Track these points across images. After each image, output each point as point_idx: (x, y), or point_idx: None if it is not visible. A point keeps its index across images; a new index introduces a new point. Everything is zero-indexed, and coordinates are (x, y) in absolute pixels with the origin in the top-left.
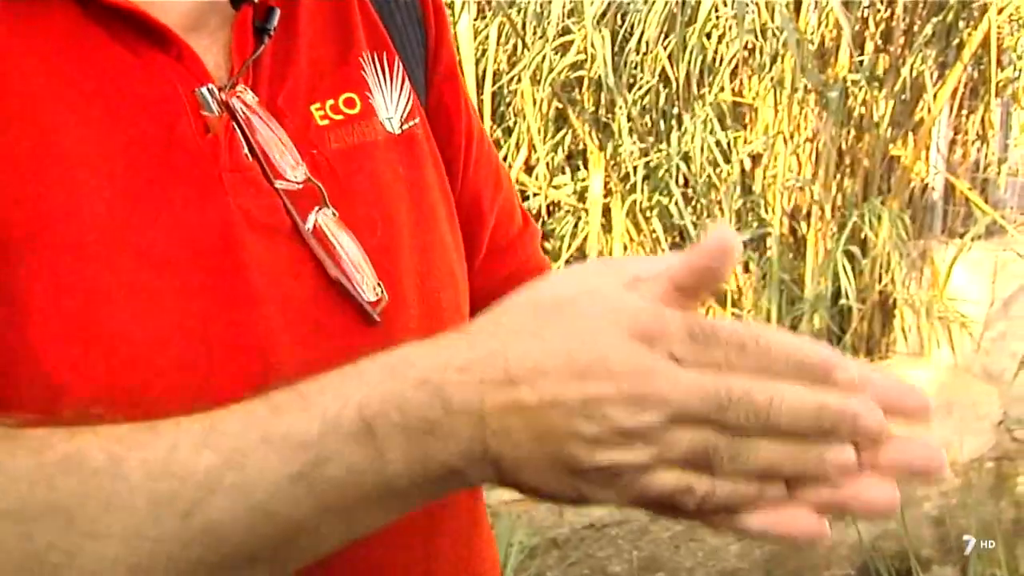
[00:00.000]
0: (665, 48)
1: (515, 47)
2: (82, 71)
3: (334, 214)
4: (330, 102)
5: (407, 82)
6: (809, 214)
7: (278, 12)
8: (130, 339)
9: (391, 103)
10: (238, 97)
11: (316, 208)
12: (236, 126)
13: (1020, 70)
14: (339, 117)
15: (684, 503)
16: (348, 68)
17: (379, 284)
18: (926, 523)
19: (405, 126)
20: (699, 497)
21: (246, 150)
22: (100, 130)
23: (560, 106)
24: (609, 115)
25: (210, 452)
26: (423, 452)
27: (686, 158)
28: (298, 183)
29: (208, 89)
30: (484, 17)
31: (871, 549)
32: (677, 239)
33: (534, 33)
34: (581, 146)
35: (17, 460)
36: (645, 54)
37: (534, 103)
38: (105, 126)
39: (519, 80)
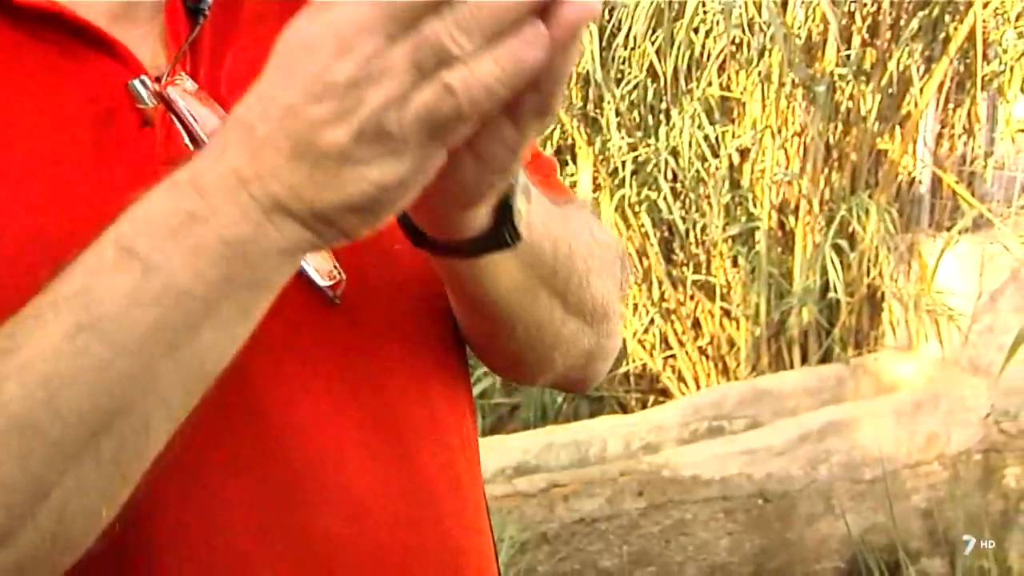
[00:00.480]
0: (653, 43)
1: None
2: (13, 79)
3: None
4: None
5: None
6: (797, 208)
7: None
8: None
9: None
10: (175, 85)
11: None
12: (173, 116)
13: (1005, 64)
14: None
15: (458, 108)
16: None
17: (336, 267)
18: (915, 516)
19: None
20: (464, 90)
21: (187, 139)
22: (36, 136)
23: None
24: (597, 110)
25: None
26: (194, 242)
27: (674, 153)
28: None
29: (140, 81)
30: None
31: (860, 542)
32: (666, 233)
33: None
34: (569, 141)
35: None
36: (633, 49)
37: None
38: (41, 131)
39: None
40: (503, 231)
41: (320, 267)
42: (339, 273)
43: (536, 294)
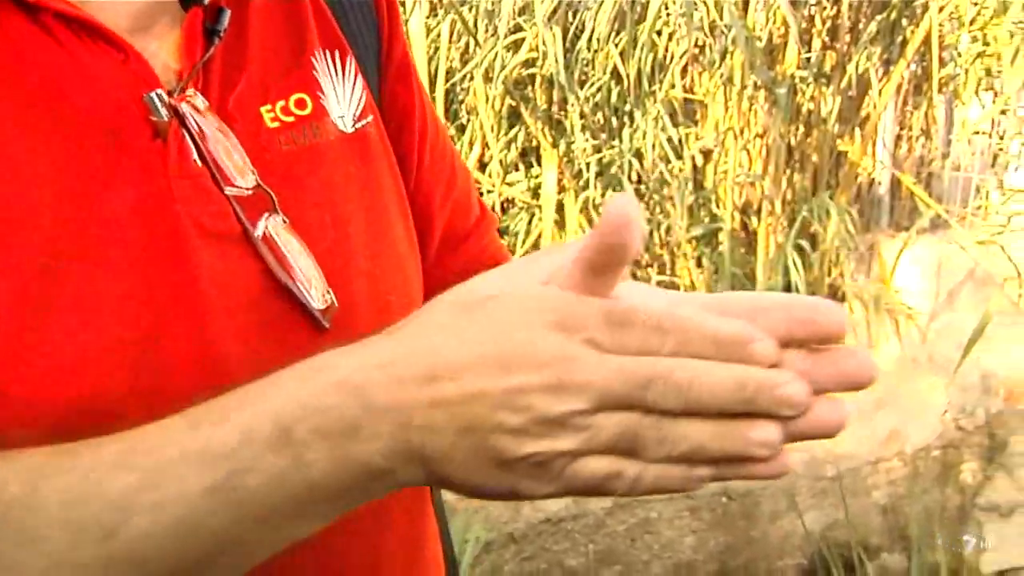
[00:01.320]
0: (616, 46)
1: (467, 45)
2: (28, 77)
3: (284, 220)
4: (280, 103)
5: (360, 80)
6: (760, 209)
7: (228, 14)
8: (77, 347)
9: (344, 101)
10: (188, 102)
11: (266, 215)
12: (185, 132)
13: (960, 67)
14: (290, 119)
15: (614, 488)
16: (300, 68)
17: (328, 291)
18: (874, 512)
19: (358, 124)
20: (628, 482)
21: (195, 156)
22: (47, 137)
23: (513, 103)
24: (561, 112)
25: (127, 473)
26: (344, 454)
27: (638, 154)
28: (248, 189)
29: (157, 94)
30: (436, 15)
31: (822, 539)
32: None
33: (486, 31)
34: (534, 143)
35: None
36: (596, 51)
37: (487, 100)
38: (52, 132)
39: (471, 78)
40: None
41: (314, 290)
42: (331, 298)
43: None
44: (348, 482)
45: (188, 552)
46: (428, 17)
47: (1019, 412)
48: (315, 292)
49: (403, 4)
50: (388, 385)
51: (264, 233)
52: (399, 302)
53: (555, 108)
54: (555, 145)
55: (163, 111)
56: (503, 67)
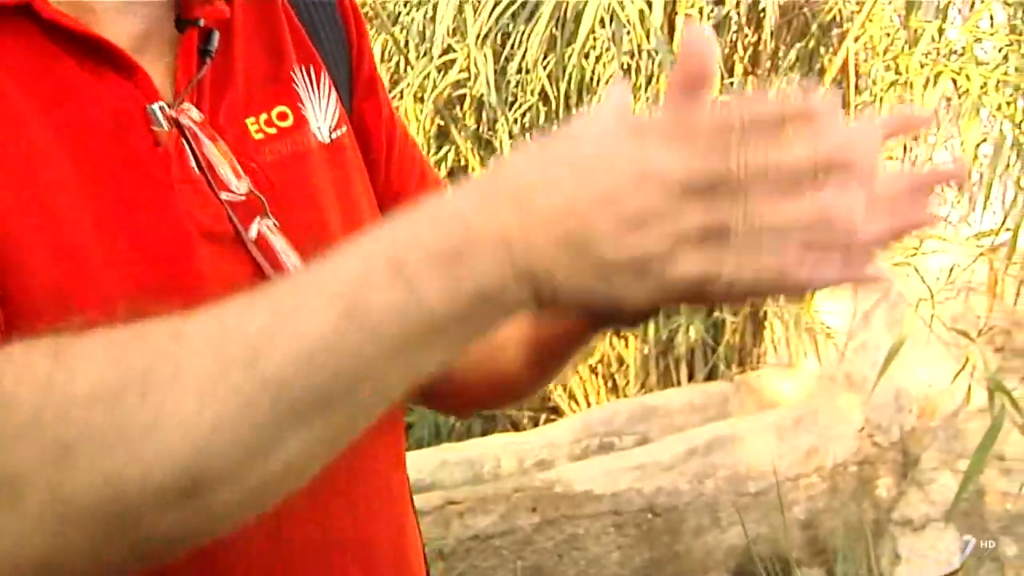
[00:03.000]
0: (545, 68)
1: (398, 64)
2: (41, 88)
3: (275, 224)
4: (264, 116)
5: (334, 93)
6: None
7: (218, 35)
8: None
9: (320, 113)
10: (185, 114)
11: (258, 218)
12: (184, 141)
13: (875, 95)
14: (273, 131)
15: (713, 289)
16: (280, 83)
17: None
18: (795, 526)
19: (334, 135)
20: (727, 279)
21: (193, 163)
22: (59, 144)
23: (443, 123)
24: (491, 132)
25: (259, 311)
26: (454, 279)
27: None
28: (241, 194)
29: (159, 106)
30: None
31: (743, 553)
32: None
33: (417, 51)
34: (463, 162)
35: (86, 345)
36: (526, 74)
37: (417, 120)
38: (64, 140)
39: (402, 97)
40: None
41: None
42: None
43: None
44: (463, 307)
45: (330, 378)
46: (386, 38)
47: (931, 429)
48: None
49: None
50: (484, 208)
51: (257, 235)
52: None
53: (484, 128)
54: (484, 164)
55: (164, 122)
56: (434, 87)
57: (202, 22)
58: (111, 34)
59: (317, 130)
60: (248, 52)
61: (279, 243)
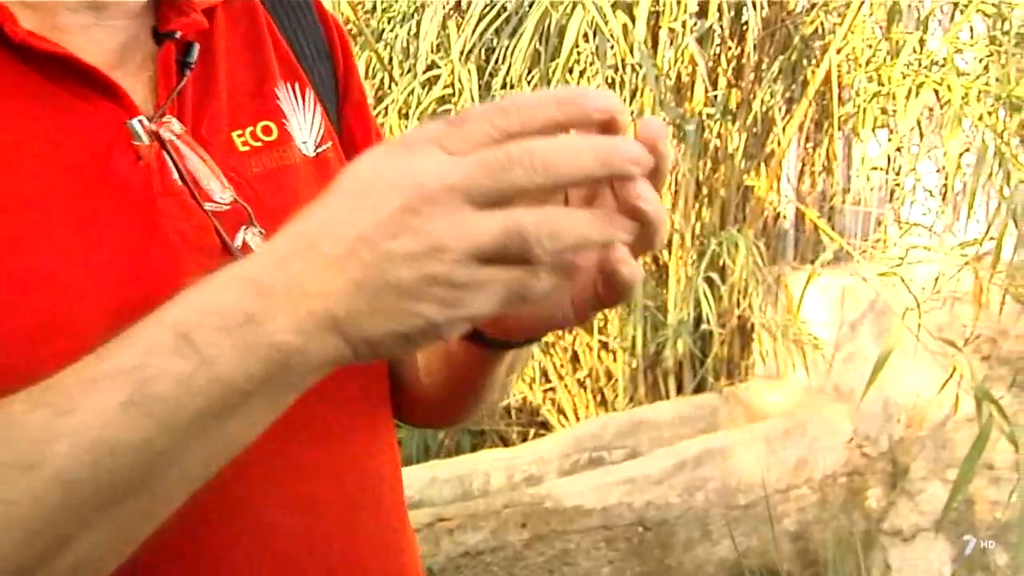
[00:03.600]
0: (530, 83)
1: (383, 81)
2: (21, 111)
3: (261, 232)
4: (249, 129)
5: (319, 108)
6: (670, 243)
7: (197, 47)
8: (65, 352)
9: (305, 128)
10: (166, 127)
11: (243, 227)
12: (166, 154)
13: (858, 106)
14: (258, 144)
15: (521, 294)
16: (264, 98)
17: None
18: (786, 538)
19: (319, 149)
20: (533, 291)
21: (176, 176)
22: (41, 165)
23: None
24: None
25: (43, 408)
26: (246, 342)
27: None
28: (226, 204)
29: (138, 120)
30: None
31: (734, 566)
32: None
33: (401, 67)
34: None
35: None
36: (511, 88)
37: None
38: (45, 161)
39: (387, 113)
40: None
41: None
42: None
43: (509, 371)
44: (259, 370)
45: (116, 471)
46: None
47: (919, 439)
48: None
49: None
50: (274, 265)
51: (243, 244)
52: None
53: None
54: None
55: (144, 136)
56: (419, 103)
57: (179, 34)
58: (86, 51)
59: (302, 144)
60: (231, 67)
61: None
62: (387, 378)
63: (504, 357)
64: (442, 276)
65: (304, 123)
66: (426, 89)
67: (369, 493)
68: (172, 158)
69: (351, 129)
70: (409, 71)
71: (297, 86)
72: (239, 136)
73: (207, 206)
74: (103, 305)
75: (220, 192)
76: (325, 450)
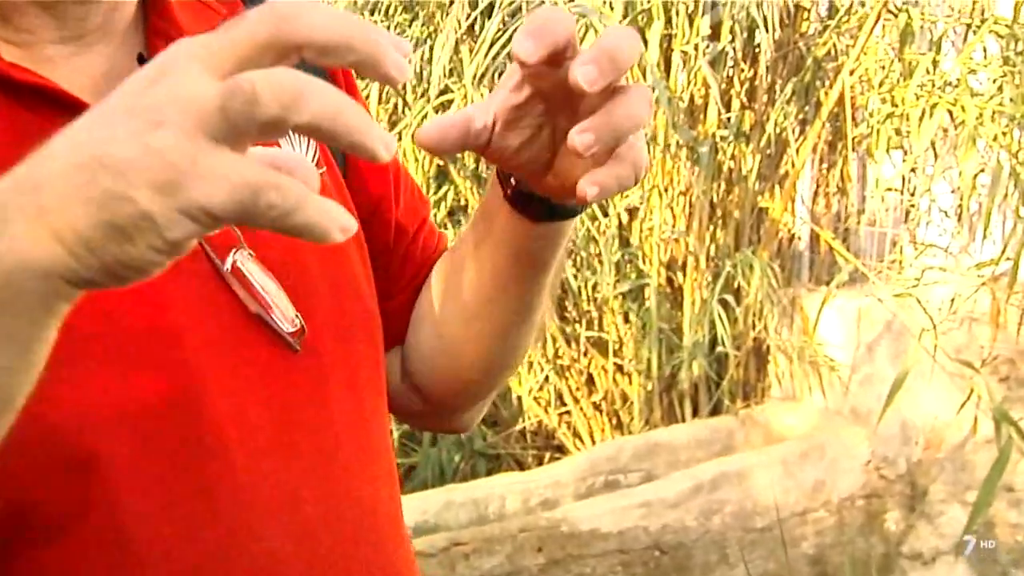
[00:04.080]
0: None
1: (396, 106)
2: (3, 142)
3: (250, 254)
4: None
5: None
6: (685, 265)
7: None
8: (57, 378)
9: (297, 151)
10: None
11: (233, 249)
12: None
13: (872, 127)
14: None
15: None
16: None
17: (298, 315)
18: (804, 562)
19: None
20: (283, 199)
21: None
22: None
23: (441, 164)
24: (489, 171)
25: None
26: None
27: None
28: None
29: None
30: (364, 77)
31: None
32: (559, 291)
33: (415, 92)
34: (463, 202)
35: None
36: None
37: (416, 160)
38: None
39: (400, 138)
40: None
41: (283, 315)
42: (300, 322)
43: (546, 297)
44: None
45: None
46: (356, 78)
47: (938, 461)
48: (284, 317)
49: None
50: (17, 175)
51: (232, 266)
52: (361, 330)
53: (483, 167)
54: None
55: None
56: None
57: None
58: (71, 81)
59: None
60: None
61: (257, 273)
62: (383, 394)
63: (567, 230)
64: (156, 150)
65: (297, 147)
66: (439, 113)
67: (366, 520)
68: None
69: (359, 167)
70: (423, 95)
71: None
72: None
73: None
74: (84, 327)
75: None
76: (322, 478)
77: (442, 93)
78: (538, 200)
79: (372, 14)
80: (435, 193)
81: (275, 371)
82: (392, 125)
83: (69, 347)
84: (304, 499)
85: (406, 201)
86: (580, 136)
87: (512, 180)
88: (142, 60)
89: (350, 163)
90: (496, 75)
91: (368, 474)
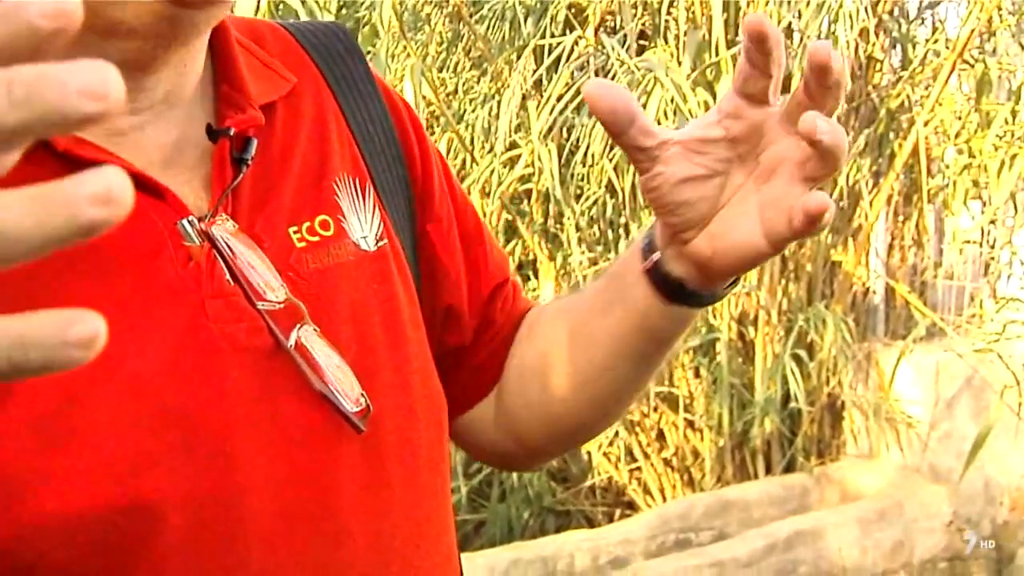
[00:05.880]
0: (610, 160)
1: (464, 161)
2: None
3: (315, 330)
4: (306, 224)
5: (379, 206)
6: (756, 319)
7: (255, 143)
8: (110, 463)
9: (365, 223)
10: (219, 225)
11: (298, 325)
12: (217, 254)
13: (948, 178)
14: (315, 239)
15: None
16: (322, 192)
17: (363, 394)
18: None
19: (379, 244)
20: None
21: (228, 276)
22: (85, 271)
23: (510, 218)
24: (558, 226)
25: None
26: None
27: None
28: (279, 303)
29: (188, 221)
30: (433, 133)
31: None
32: None
33: (482, 147)
34: (531, 256)
35: None
36: (591, 166)
37: (484, 215)
38: (90, 266)
39: (469, 193)
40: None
41: (349, 394)
42: (366, 401)
43: (657, 369)
44: None
45: None
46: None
47: None
48: (351, 396)
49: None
50: None
51: (296, 342)
52: (424, 409)
53: (551, 222)
54: (552, 258)
55: (195, 236)
56: (500, 182)
57: (233, 131)
58: (137, 153)
59: (362, 239)
60: (289, 161)
61: (322, 349)
62: (444, 474)
63: (696, 315)
64: None
65: (364, 218)
66: (507, 168)
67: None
68: (224, 258)
69: (433, 242)
70: (490, 151)
71: (358, 181)
72: (295, 232)
73: (260, 305)
74: (142, 411)
75: (273, 291)
76: (377, 567)
77: (509, 148)
78: (674, 281)
79: (440, 71)
80: (503, 248)
81: (338, 454)
82: (461, 179)
83: (129, 429)
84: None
85: (492, 259)
86: (820, 122)
87: (654, 256)
88: (210, 130)
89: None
90: (563, 130)
91: (424, 557)
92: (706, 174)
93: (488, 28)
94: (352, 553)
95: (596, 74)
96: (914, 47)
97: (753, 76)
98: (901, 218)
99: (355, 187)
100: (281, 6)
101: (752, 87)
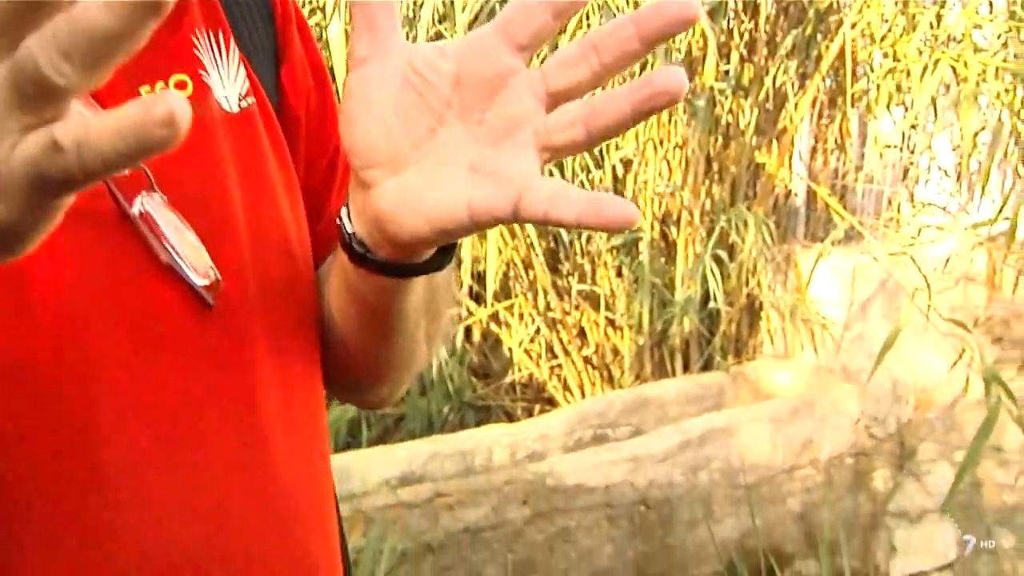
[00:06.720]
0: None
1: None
2: None
3: (162, 198)
4: (160, 84)
5: (242, 63)
6: (679, 219)
7: None
8: None
9: (228, 81)
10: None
11: (143, 193)
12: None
13: (872, 82)
14: None
15: (62, 171)
16: (178, 46)
17: (213, 267)
18: (790, 519)
19: (243, 103)
20: (73, 154)
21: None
22: None
23: None
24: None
25: None
26: None
27: (559, 164)
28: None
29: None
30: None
31: (736, 547)
32: (551, 244)
33: (407, 36)
34: None
35: None
36: None
37: None
38: None
39: None
40: (445, 256)
41: (196, 266)
42: (215, 274)
43: (421, 313)
44: None
45: None
46: (348, 24)
47: (928, 420)
48: (198, 268)
49: (323, 9)
50: None
51: (141, 211)
52: (283, 277)
53: None
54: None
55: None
56: None
57: None
58: None
59: (224, 99)
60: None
61: (169, 219)
62: (315, 361)
63: (409, 287)
64: None
65: (226, 75)
66: None
67: (278, 503)
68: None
69: (285, 91)
70: (412, 41)
71: (221, 35)
72: (148, 92)
73: None
74: None
75: None
76: (230, 453)
77: (434, 39)
78: (359, 240)
79: None
80: None
81: (185, 327)
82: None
83: None
84: (207, 481)
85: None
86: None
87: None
88: None
89: (281, 102)
90: (489, 19)
91: (290, 450)
92: (413, 110)
93: None
94: (208, 440)
95: None
96: None
97: (532, 14)
98: (825, 121)
99: (217, 42)
100: None
101: (521, 27)
